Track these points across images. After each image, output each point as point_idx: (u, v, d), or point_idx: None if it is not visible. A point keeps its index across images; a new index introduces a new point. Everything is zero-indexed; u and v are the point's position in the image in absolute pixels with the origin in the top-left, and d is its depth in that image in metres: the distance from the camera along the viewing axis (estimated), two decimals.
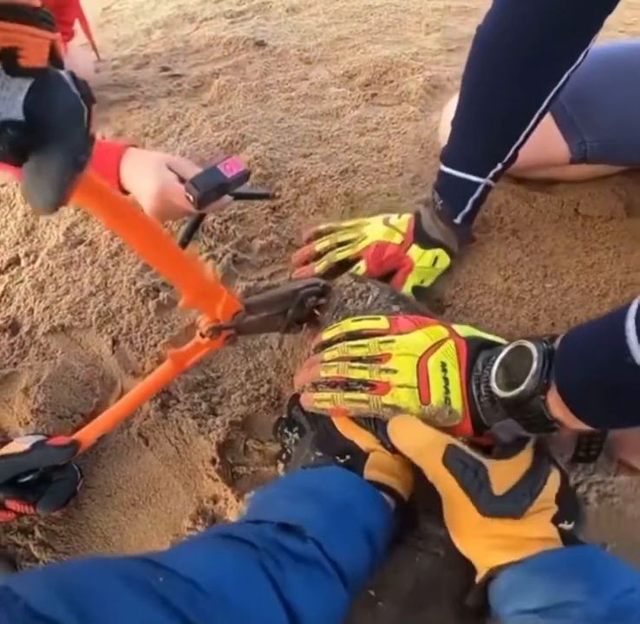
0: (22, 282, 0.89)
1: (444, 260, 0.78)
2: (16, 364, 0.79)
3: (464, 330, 0.58)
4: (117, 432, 0.72)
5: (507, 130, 0.70)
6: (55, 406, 0.73)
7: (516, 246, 0.88)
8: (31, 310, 0.85)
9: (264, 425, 0.70)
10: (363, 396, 0.54)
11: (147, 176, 0.73)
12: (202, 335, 0.62)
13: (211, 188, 0.69)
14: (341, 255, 0.78)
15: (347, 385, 0.55)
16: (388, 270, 0.77)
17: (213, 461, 0.68)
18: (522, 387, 0.46)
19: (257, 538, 0.40)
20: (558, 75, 0.65)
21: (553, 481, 0.50)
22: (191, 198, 0.70)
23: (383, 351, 0.56)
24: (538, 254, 0.86)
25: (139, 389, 0.65)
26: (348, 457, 0.53)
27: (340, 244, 0.79)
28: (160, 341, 0.77)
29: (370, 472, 0.51)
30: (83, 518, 0.67)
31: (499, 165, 0.72)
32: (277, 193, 0.97)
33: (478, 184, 0.73)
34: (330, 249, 0.79)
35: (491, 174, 0.72)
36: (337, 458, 0.53)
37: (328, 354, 0.59)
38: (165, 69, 1.33)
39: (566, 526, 0.47)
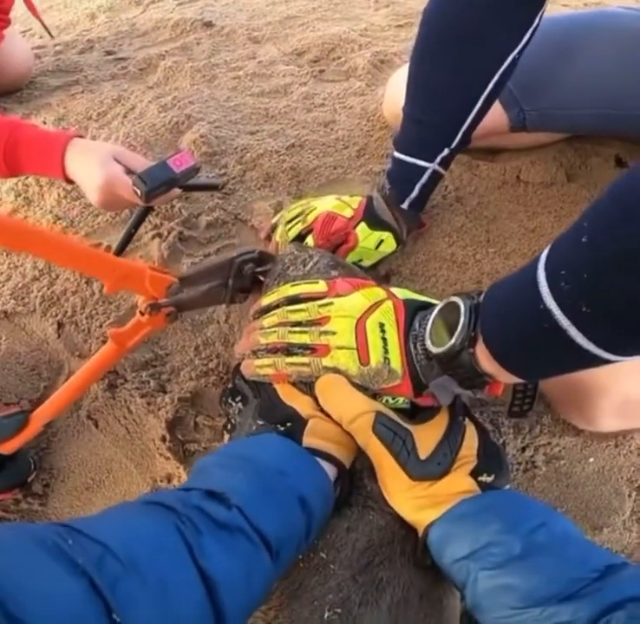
0: None
1: (389, 244, 0.77)
2: None
3: (401, 293, 0.58)
4: (66, 415, 0.71)
5: (453, 114, 0.70)
6: (1, 393, 0.72)
7: (460, 212, 0.89)
8: None
9: (214, 400, 0.70)
10: (304, 359, 0.54)
11: (93, 167, 0.71)
12: (141, 313, 0.61)
13: (159, 183, 0.69)
14: (292, 231, 0.77)
15: (288, 350, 0.55)
16: (334, 244, 0.76)
17: (164, 439, 0.67)
18: (451, 342, 0.47)
19: (181, 504, 0.39)
20: (502, 57, 0.65)
21: (470, 436, 0.52)
22: (138, 192, 0.69)
23: (322, 314, 0.55)
24: (481, 220, 0.87)
25: (83, 372, 0.64)
26: (288, 424, 0.53)
27: (290, 221, 0.78)
28: (106, 322, 0.76)
29: (309, 439, 0.51)
30: (37, 506, 0.66)
31: (446, 150, 0.72)
32: (223, 170, 0.96)
33: (425, 169, 0.73)
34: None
35: (438, 159, 0.72)
36: (278, 425, 0.53)
37: (267, 321, 0.58)
38: (109, 53, 1.31)
39: (487, 478, 0.49)
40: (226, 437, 0.60)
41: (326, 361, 0.53)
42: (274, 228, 0.81)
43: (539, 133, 0.90)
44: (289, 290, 0.59)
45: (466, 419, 0.54)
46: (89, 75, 1.21)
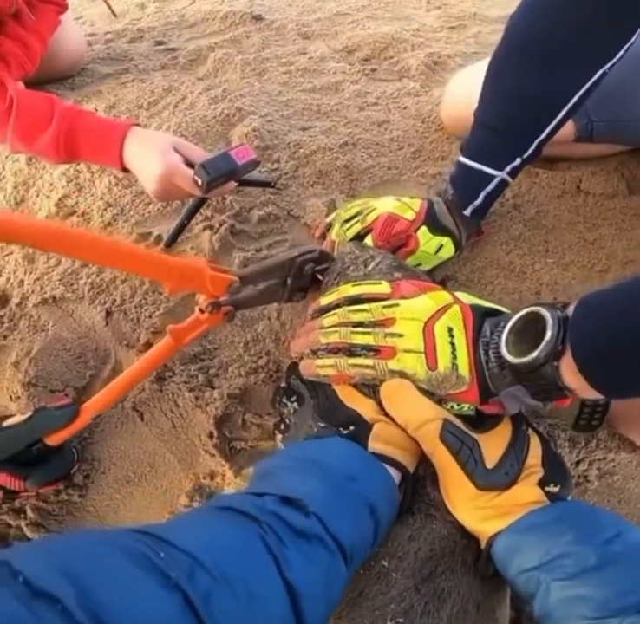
0: (11, 253, 0.86)
1: (448, 250, 0.75)
2: (5, 337, 0.76)
3: (466, 297, 0.56)
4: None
5: (531, 125, 0.68)
6: (47, 380, 0.71)
7: (518, 220, 0.86)
8: (21, 282, 0.82)
9: (263, 398, 0.68)
10: (368, 361, 0.52)
11: (153, 157, 0.71)
12: (202, 311, 0.60)
13: (220, 174, 0.68)
14: (351, 231, 0.75)
15: (349, 351, 0.54)
16: (394, 247, 0.74)
17: (211, 435, 0.66)
18: (535, 354, 0.45)
19: (259, 511, 0.39)
20: (590, 74, 0.62)
21: (535, 445, 0.51)
22: (199, 181, 0.68)
23: (387, 315, 0.54)
24: (539, 229, 0.85)
25: (138, 365, 0.62)
26: (351, 428, 0.52)
27: (347, 221, 0.76)
28: (155, 312, 0.75)
29: (375, 444, 0.50)
30: (77, 497, 0.64)
31: (518, 160, 0.70)
32: (275, 165, 0.95)
33: (493, 177, 0.71)
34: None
35: (508, 168, 0.70)
36: (341, 428, 0.52)
37: (327, 320, 0.57)
38: (159, 43, 1.30)
39: (553, 489, 0.49)
40: (279, 437, 0.58)
41: (392, 364, 0.51)
42: (329, 226, 0.79)
43: (603, 144, 0.88)
44: (350, 290, 0.58)
45: (529, 429, 0.53)
46: (140, 64, 1.21)
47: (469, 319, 0.52)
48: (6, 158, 1.01)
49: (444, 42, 1.28)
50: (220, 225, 0.83)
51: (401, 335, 0.52)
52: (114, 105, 1.09)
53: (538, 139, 0.68)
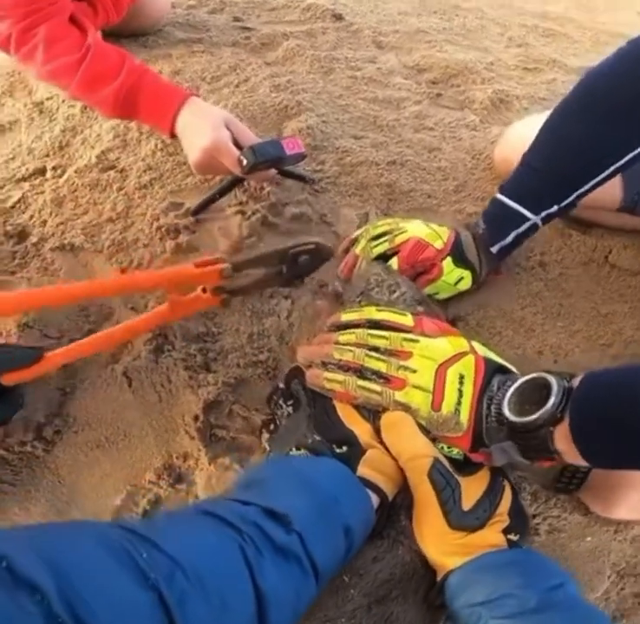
0: (42, 193, 0.86)
1: (467, 283, 0.76)
2: (13, 273, 0.76)
3: (481, 349, 0.58)
4: (101, 366, 0.69)
5: (577, 174, 0.68)
6: (44, 325, 0.70)
7: (540, 278, 0.86)
8: (44, 222, 0.82)
9: (255, 392, 0.67)
10: (377, 387, 0.54)
11: (205, 128, 0.72)
12: (203, 291, 0.63)
13: (267, 159, 0.70)
14: (377, 249, 0.74)
15: (360, 372, 0.55)
16: (417, 272, 0.74)
17: (196, 418, 0.65)
18: (535, 416, 0.47)
19: (241, 521, 0.40)
20: None
21: (507, 497, 0.55)
22: (244, 162, 0.70)
23: (405, 348, 0.56)
24: (558, 291, 0.85)
25: (127, 324, 0.64)
26: (345, 448, 0.53)
27: (375, 238, 0.76)
28: None
29: (363, 469, 0.52)
30: (41, 451, 0.63)
31: (555, 208, 0.70)
32: (319, 167, 0.94)
33: (527, 219, 0.71)
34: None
35: (543, 214, 0.71)
36: (334, 446, 0.54)
37: (344, 337, 0.58)
38: (237, 19, 1.30)
39: (513, 537, 0.53)
40: (266, 436, 0.59)
41: (399, 396, 0.54)
42: (355, 241, 0.78)
43: None
44: (374, 314, 0.59)
45: (505, 480, 0.57)
46: (213, 37, 1.21)
47: (481, 371, 0.54)
48: (63, 102, 1.02)
49: (515, 82, 1.27)
50: (253, 213, 0.83)
51: (414, 371, 0.54)
52: (179, 71, 1.09)
53: (579, 191, 0.69)
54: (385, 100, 1.14)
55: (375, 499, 0.51)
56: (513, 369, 0.57)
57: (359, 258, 0.75)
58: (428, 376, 0.53)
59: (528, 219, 0.71)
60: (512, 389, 0.51)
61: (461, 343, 0.57)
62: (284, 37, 1.25)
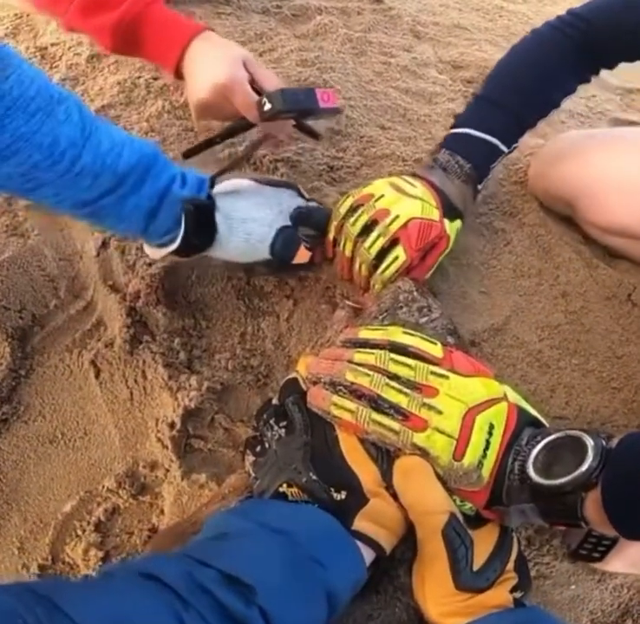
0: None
1: (459, 227, 0.71)
2: None
3: (513, 396, 0.51)
4: (65, 349, 0.60)
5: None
6: (5, 294, 0.61)
7: (561, 310, 0.81)
8: None
9: (242, 402, 0.59)
10: (395, 426, 0.46)
11: (219, 64, 0.62)
12: None
13: (297, 108, 0.61)
14: (374, 248, 0.64)
15: (376, 403, 0.47)
16: (425, 251, 0.66)
17: (172, 425, 0.56)
18: (565, 480, 0.43)
19: (190, 590, 0.33)
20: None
21: (515, 550, 0.50)
22: (266, 106, 0.60)
23: (430, 383, 0.48)
24: (577, 326, 0.80)
25: None
26: (344, 494, 0.46)
27: (362, 233, 0.65)
28: (157, 264, 0.65)
29: (361, 522, 0.46)
30: None
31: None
32: (340, 154, 0.85)
33: (502, 152, 0.72)
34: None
35: (511, 148, 0.74)
36: (333, 490, 0.46)
37: (360, 356, 0.49)
38: None
39: (518, 595, 0.49)
40: (250, 458, 0.49)
41: (419, 439, 0.46)
42: (335, 242, 0.67)
43: None
44: (399, 336, 0.51)
45: (513, 533, 0.52)
46: (242, 0, 1.11)
47: (512, 422, 0.48)
48: (68, 49, 0.93)
49: None
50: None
51: (439, 412, 0.47)
52: None
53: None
54: (418, 92, 1.05)
55: (369, 554, 0.46)
56: (545, 423, 0.51)
57: (355, 260, 0.65)
58: (455, 421, 0.46)
59: (503, 153, 0.72)
60: (539, 446, 0.46)
61: (496, 388, 0.50)
62: (317, 11, 1.15)
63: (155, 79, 0.86)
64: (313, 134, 0.79)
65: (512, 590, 0.49)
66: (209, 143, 0.72)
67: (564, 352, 0.77)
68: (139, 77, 0.85)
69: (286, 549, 0.39)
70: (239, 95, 0.62)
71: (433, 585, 0.47)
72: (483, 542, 0.49)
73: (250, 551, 0.39)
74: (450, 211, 0.67)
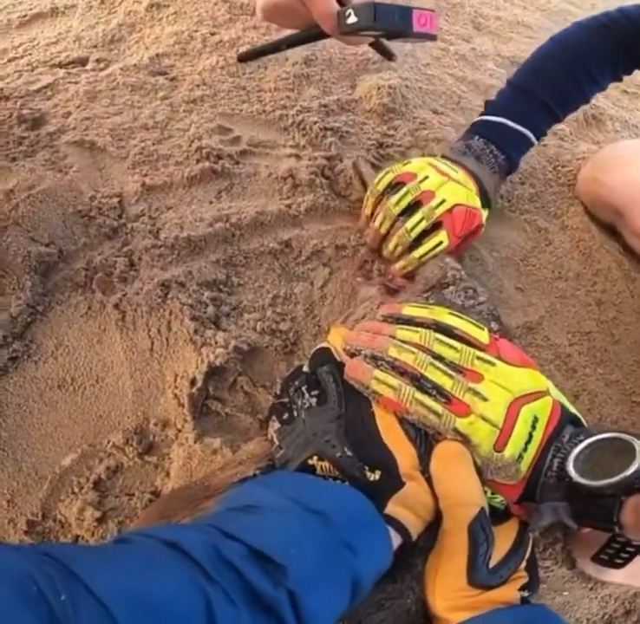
0: (76, 83, 0.74)
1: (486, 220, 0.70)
2: (14, 159, 0.64)
3: (555, 392, 0.49)
4: (89, 289, 0.57)
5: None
6: (34, 225, 0.59)
7: (594, 317, 0.79)
8: (68, 114, 0.70)
9: (266, 366, 0.56)
10: (438, 408, 0.44)
11: None
12: None
13: (387, 27, 0.52)
14: (416, 230, 0.62)
15: (418, 381, 0.45)
16: (465, 237, 0.65)
17: (192, 382, 0.53)
18: (608, 481, 0.42)
19: (213, 563, 0.31)
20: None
21: (529, 550, 0.49)
22: (351, 19, 0.51)
23: (476, 368, 0.46)
24: (607, 336, 0.78)
25: None
26: (379, 474, 0.44)
27: (402, 213, 0.63)
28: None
29: (394, 507, 0.43)
30: None
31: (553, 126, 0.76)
32: (391, 132, 0.82)
33: (532, 143, 0.73)
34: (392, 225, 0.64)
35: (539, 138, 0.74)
36: (366, 469, 0.43)
37: (404, 333, 0.47)
38: None
39: (525, 593, 0.48)
40: (276, 425, 0.47)
41: (461, 424, 0.44)
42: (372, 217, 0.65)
43: None
44: (445, 317, 0.49)
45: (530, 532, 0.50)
46: None
47: (555, 417, 0.46)
48: None
49: (611, 102, 1.16)
50: (309, 161, 0.71)
51: (485, 399, 0.45)
52: None
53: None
54: (473, 82, 1.02)
55: (396, 539, 0.43)
56: (585, 423, 0.49)
57: (390, 238, 0.63)
58: (500, 409, 0.44)
59: (533, 143, 0.73)
60: (582, 445, 0.44)
61: (543, 381, 0.48)
62: None
63: (212, 34, 0.84)
64: (387, 54, 0.71)
65: (521, 589, 0.48)
66: (270, 48, 0.63)
67: (591, 359, 0.75)
68: (196, 30, 0.83)
69: (323, 529, 0.37)
70: (316, 5, 0.53)
71: (446, 578, 0.46)
72: (503, 538, 0.47)
73: (283, 528, 0.36)
74: (484, 199, 0.67)
